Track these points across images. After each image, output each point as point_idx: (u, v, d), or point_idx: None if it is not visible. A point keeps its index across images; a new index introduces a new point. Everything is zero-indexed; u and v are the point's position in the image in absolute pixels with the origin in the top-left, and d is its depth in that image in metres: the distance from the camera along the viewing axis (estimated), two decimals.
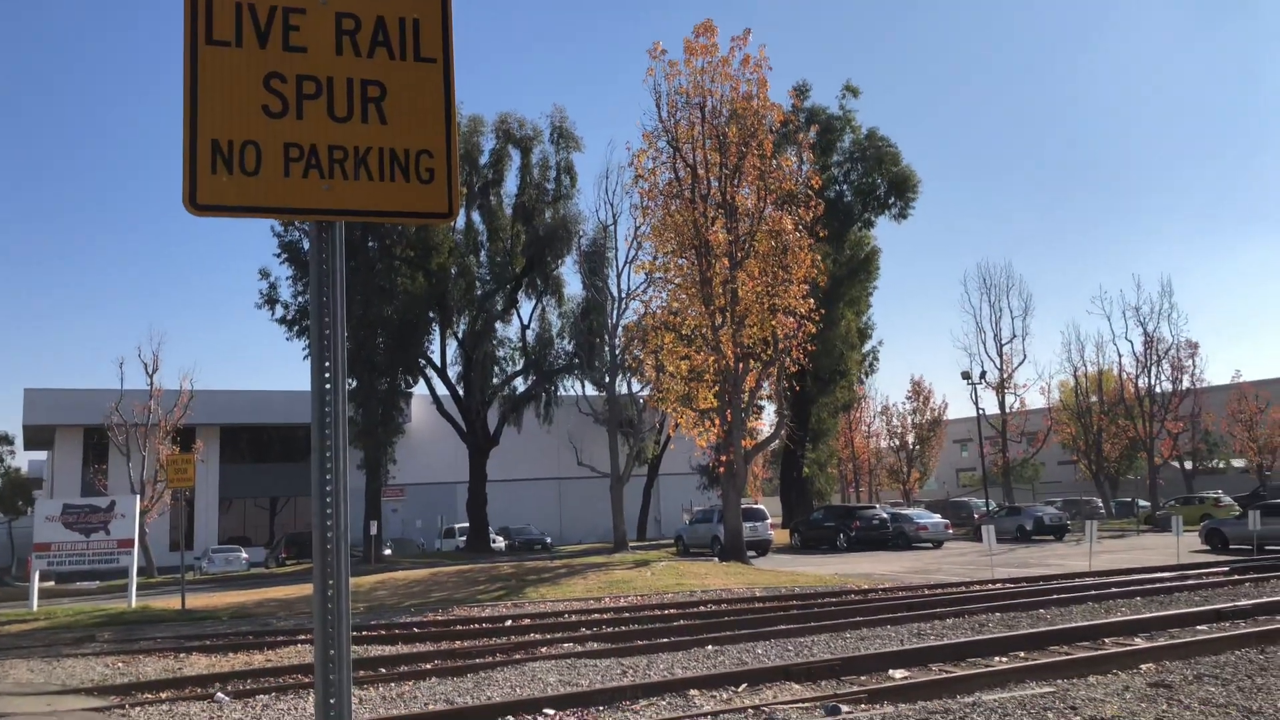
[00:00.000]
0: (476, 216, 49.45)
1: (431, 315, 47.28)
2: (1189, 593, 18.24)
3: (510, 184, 49.83)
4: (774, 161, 31.62)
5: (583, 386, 51.00)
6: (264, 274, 45.55)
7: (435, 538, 54.58)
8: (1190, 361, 60.63)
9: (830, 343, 47.01)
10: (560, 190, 48.70)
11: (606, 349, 43.36)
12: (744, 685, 10.65)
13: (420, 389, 50.89)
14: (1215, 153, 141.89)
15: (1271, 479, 62.65)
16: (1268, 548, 29.47)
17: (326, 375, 3.05)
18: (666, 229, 31.57)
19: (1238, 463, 68.88)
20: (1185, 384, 60.44)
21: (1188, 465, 64.28)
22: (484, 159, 48.96)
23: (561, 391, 52.25)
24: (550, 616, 18.35)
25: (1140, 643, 12.39)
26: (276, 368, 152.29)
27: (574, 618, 17.94)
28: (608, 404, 42.67)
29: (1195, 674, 10.16)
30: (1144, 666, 10.78)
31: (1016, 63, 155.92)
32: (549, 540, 53.23)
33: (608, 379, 43.05)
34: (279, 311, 45.04)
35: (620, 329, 41.69)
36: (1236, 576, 20.89)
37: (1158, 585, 19.30)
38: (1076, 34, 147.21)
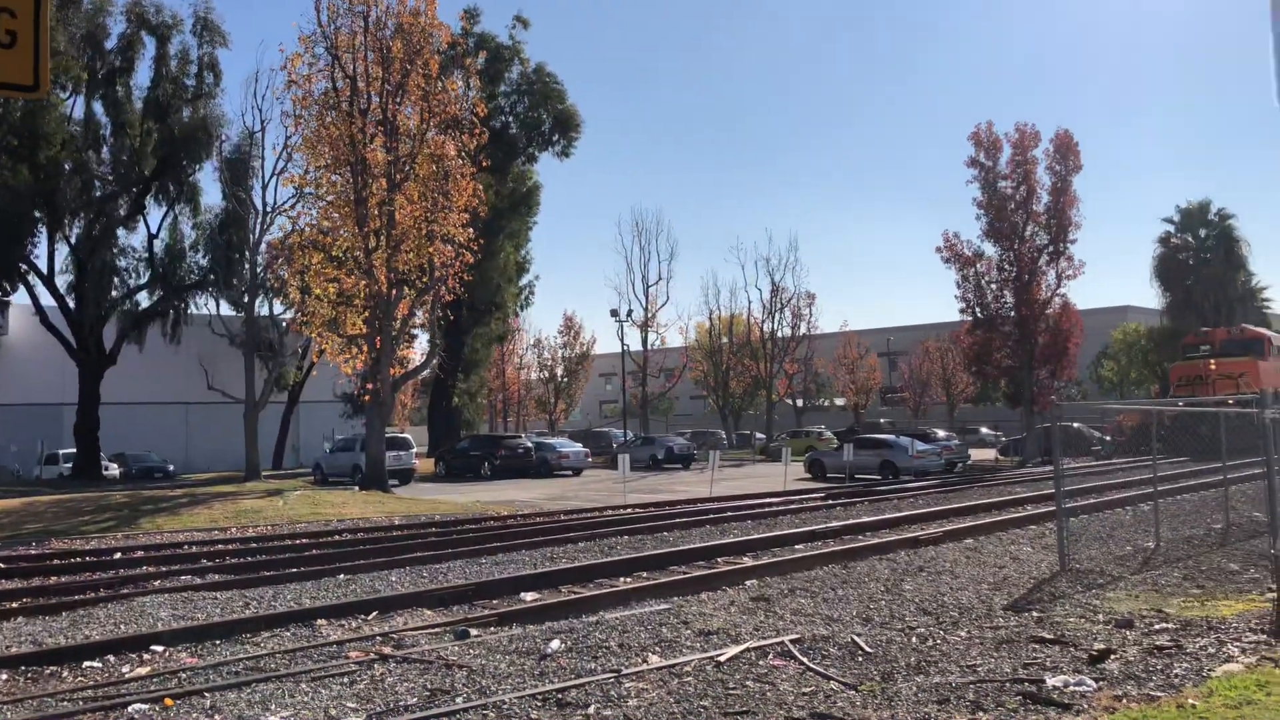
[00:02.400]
0: (99, 107, 43.86)
1: (38, 215, 41.72)
2: (791, 516, 20.32)
3: (143, 75, 44.63)
4: (439, 83, 30.73)
5: (218, 305, 47.51)
6: None
7: (34, 464, 48.70)
8: (808, 310, 67.22)
9: (488, 274, 47.04)
10: (202, 88, 44.36)
11: (246, 266, 40.43)
12: (374, 613, 10.51)
13: (21, 297, 45.05)
14: (839, 123, 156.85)
15: (865, 416, 71.39)
16: (858, 476, 33.53)
17: None
18: (321, 142, 29.78)
19: (840, 401, 77.63)
20: (802, 330, 66.92)
21: (799, 403, 71.59)
22: (111, 43, 43.46)
23: (193, 310, 48.36)
24: (167, 549, 17.05)
25: (748, 561, 13.63)
26: None
27: (194, 549, 16.81)
28: (245, 325, 39.97)
29: (790, 588, 11.35)
30: (749, 582, 11.88)
31: (682, 22, 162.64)
32: (171, 468, 49.40)
33: (246, 298, 40.26)
34: None
35: (264, 246, 39.08)
36: (830, 501, 23.59)
37: (766, 510, 21.33)
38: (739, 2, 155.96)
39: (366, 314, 29.56)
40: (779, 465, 32.97)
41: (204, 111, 44.15)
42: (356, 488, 30.68)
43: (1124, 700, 6.41)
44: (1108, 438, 43.41)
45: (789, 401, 71.01)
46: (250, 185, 41.06)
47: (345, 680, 7.55)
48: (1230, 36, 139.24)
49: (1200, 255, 62.26)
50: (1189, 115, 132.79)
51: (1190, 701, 6.15)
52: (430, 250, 29.66)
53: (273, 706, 6.90)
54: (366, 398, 30.63)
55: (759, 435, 65.89)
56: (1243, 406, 15.22)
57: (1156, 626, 8.66)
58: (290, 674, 7.75)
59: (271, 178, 39.69)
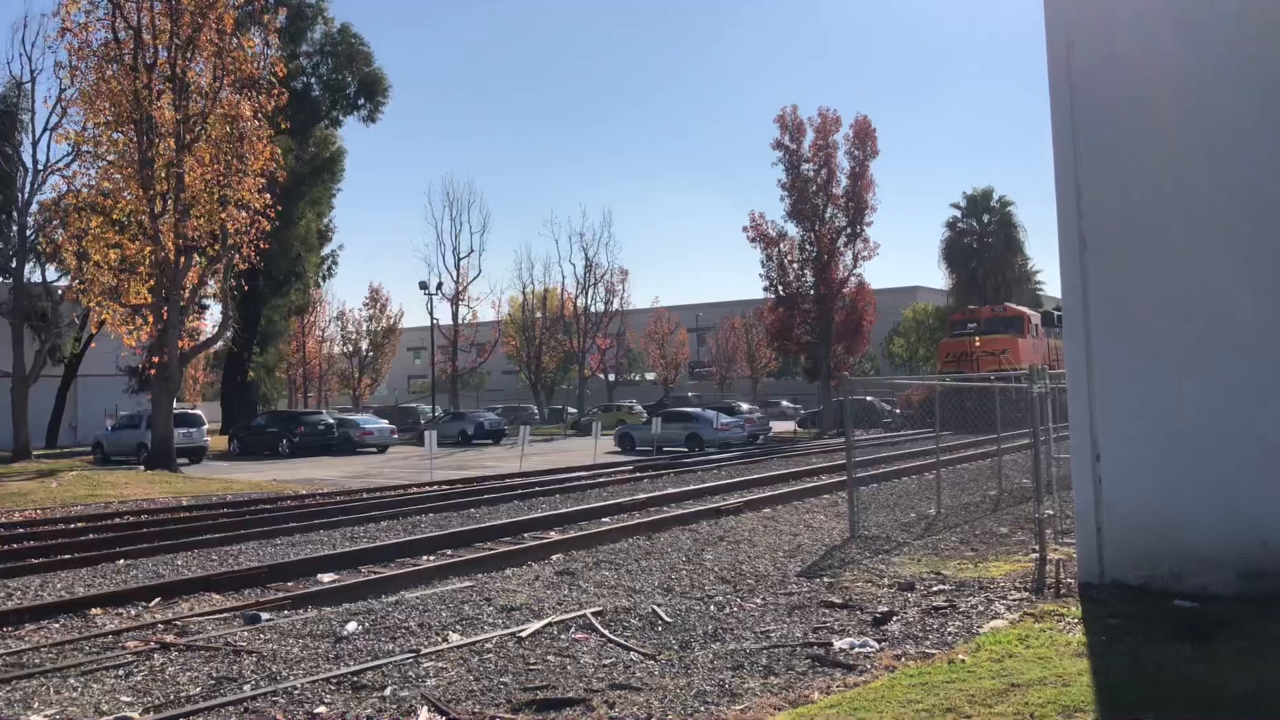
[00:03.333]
0: None
1: None
2: (600, 489, 20.51)
3: None
4: (234, 40, 29.01)
5: None
6: None
7: None
8: (621, 286, 67.89)
9: (287, 242, 45.01)
10: None
11: (15, 229, 37.13)
12: (157, 600, 9.91)
13: None
14: (651, 101, 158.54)
15: (674, 390, 72.91)
16: (666, 449, 34.22)
17: None
18: (100, 97, 27.55)
19: (650, 376, 78.96)
20: (615, 305, 67.54)
21: (611, 377, 72.32)
22: None
23: None
24: None
25: (554, 535, 13.67)
26: None
27: None
28: (13, 293, 36.71)
29: (595, 560, 11.45)
30: (554, 557, 11.91)
31: None
32: None
33: (15, 263, 36.99)
34: None
35: (35, 207, 35.96)
36: (638, 474, 23.96)
37: (575, 484, 21.45)
38: None
39: (152, 282, 27.68)
40: (590, 439, 33.23)
41: None
42: (142, 467, 28.85)
43: (903, 659, 6.80)
44: (897, 411, 46.04)
45: (601, 376, 71.65)
46: (19, 140, 37.74)
47: (121, 672, 7.07)
48: (1010, 32, 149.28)
49: (983, 239, 66.71)
50: (977, 105, 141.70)
51: (961, 657, 6.58)
52: (223, 216, 28.06)
53: (35, 704, 6.39)
54: (152, 371, 28.74)
55: (571, 410, 66.18)
56: (1015, 382, 16.46)
57: (935, 588, 9.23)
58: (57, 668, 7.20)
59: (44, 133, 36.45)
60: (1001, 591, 8.89)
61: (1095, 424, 8.42)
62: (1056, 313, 46.19)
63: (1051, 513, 11.77)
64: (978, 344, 40.37)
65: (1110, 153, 8.43)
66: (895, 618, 8.03)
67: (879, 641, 7.30)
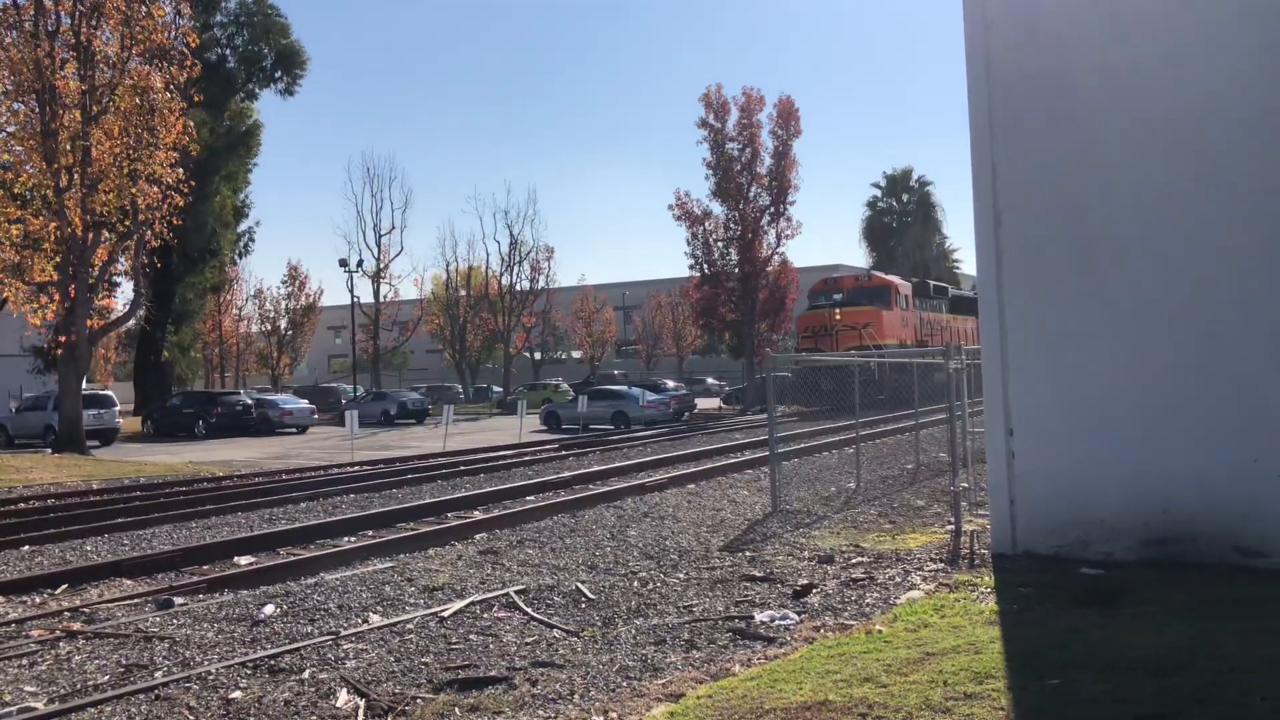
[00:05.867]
0: None
1: None
2: (525, 467, 20.45)
3: None
4: (144, 8, 28.00)
5: None
6: None
7: None
8: (547, 264, 67.49)
9: (202, 218, 43.90)
10: None
11: None
12: (64, 587, 9.62)
13: None
14: (580, 78, 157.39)
15: (600, 368, 72.95)
16: (592, 427, 34.24)
17: None
18: (0, 66, 26.42)
19: (577, 354, 78.87)
20: (541, 284, 67.15)
21: (537, 355, 72.04)
22: None
23: None
24: None
25: (478, 515, 13.59)
26: None
27: None
28: None
29: (519, 539, 11.41)
30: (478, 536, 11.84)
31: None
32: None
33: None
34: None
35: None
36: (564, 452, 23.95)
37: (500, 462, 21.35)
38: None
39: (58, 259, 26.68)
40: (515, 419, 33.07)
41: None
42: (49, 450, 27.92)
43: (822, 630, 6.91)
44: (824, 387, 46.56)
45: (527, 354, 71.30)
46: None
47: (24, 662, 6.85)
48: (930, 10, 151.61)
49: (903, 218, 67.99)
50: (898, 86, 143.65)
51: (878, 628, 6.71)
52: (133, 191, 27.15)
53: None
54: (59, 351, 27.78)
55: (496, 389, 65.79)
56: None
57: (854, 561, 9.39)
58: None
59: None
60: (918, 563, 9.09)
61: (1009, 399, 8.63)
62: (933, 283, 44.29)
63: (967, 485, 12.07)
64: (838, 316, 36.79)
65: (1025, 131, 8.61)
66: (815, 590, 8.15)
67: (799, 614, 7.41)
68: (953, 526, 10.50)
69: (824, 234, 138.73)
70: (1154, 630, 6.02)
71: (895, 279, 40.91)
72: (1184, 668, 5.18)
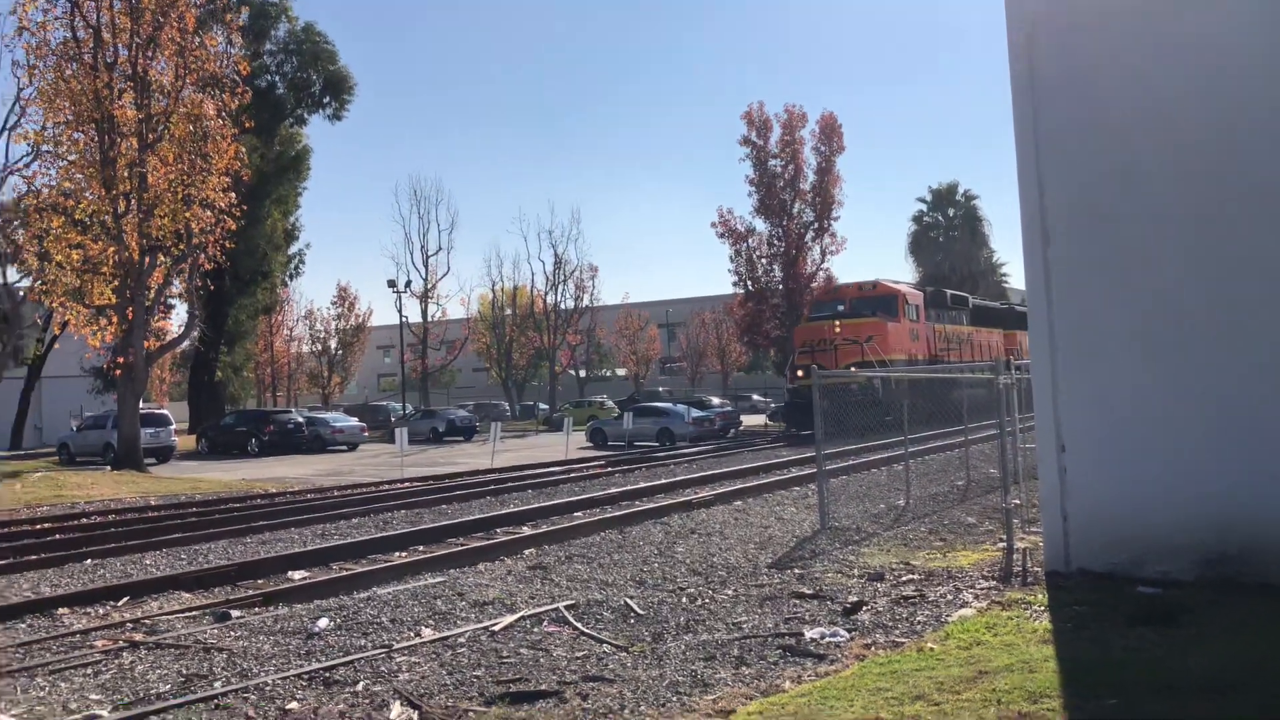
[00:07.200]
0: None
1: None
2: (572, 484, 20.52)
3: None
4: (197, 39, 28.79)
5: None
6: None
7: None
8: (591, 282, 67.91)
9: (253, 241, 44.72)
10: None
11: None
12: (125, 599, 9.83)
13: None
14: (619, 96, 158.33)
15: (645, 385, 73.04)
16: (637, 443, 34.27)
17: None
18: (60, 96, 27.18)
19: (621, 371, 79.02)
20: (585, 302, 67.52)
21: (582, 373, 72.35)
22: None
23: None
24: None
25: (527, 530, 13.66)
26: None
27: None
28: None
29: (568, 554, 11.47)
30: (527, 551, 11.92)
31: None
32: None
33: None
34: None
35: None
36: (610, 469, 24.00)
37: (547, 479, 21.44)
38: None
39: (116, 283, 27.39)
40: (562, 435, 33.20)
41: None
42: (108, 467, 28.53)
43: (873, 648, 6.88)
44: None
45: (572, 372, 71.61)
46: None
47: (89, 671, 7.02)
48: (975, 25, 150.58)
49: (949, 233, 67.38)
50: (943, 100, 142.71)
51: (930, 645, 6.66)
52: (188, 215, 27.80)
53: (2, 704, 6.32)
54: (118, 372, 28.44)
55: (542, 406, 66.12)
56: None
57: (904, 578, 9.33)
58: (25, 668, 7.14)
59: (1, 133, 35.75)
60: (970, 580, 9.01)
61: (1060, 415, 8.55)
62: (950, 292, 39.64)
63: (1018, 502, 11.92)
64: (838, 329, 32.61)
65: (1069, 146, 8.56)
66: (865, 607, 8.11)
67: (849, 631, 7.38)
68: (1004, 544, 10.37)
69: (870, 249, 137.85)
70: (1214, 650, 5.92)
71: (903, 287, 36.98)
72: (1245, 686, 5.10)
